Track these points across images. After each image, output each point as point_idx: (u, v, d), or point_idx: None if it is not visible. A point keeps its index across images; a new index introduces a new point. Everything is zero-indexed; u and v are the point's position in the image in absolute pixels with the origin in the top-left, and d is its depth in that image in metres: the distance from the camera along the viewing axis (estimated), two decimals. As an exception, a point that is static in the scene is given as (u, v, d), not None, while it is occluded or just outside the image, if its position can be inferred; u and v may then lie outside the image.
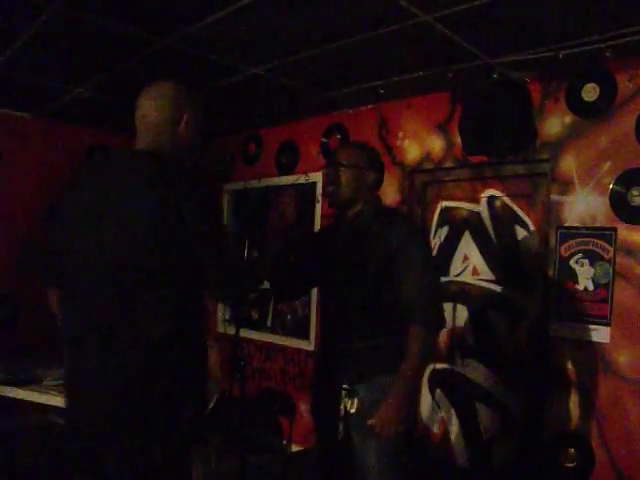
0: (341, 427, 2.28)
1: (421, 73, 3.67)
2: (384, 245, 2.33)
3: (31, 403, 3.60)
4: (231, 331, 4.67)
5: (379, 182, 2.54)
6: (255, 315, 5.24)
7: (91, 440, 1.85)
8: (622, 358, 3.18)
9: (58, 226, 2.03)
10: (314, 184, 4.80)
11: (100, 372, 1.81)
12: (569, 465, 3.31)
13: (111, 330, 1.79)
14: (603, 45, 3.03)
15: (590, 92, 3.39)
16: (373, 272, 2.33)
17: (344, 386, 2.31)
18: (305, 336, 4.78)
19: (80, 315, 1.87)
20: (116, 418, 1.80)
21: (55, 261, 2.06)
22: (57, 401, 3.50)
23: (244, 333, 5.14)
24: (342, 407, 2.29)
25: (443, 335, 3.97)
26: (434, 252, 4.17)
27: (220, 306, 5.59)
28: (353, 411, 2.27)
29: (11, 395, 3.60)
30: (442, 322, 2.32)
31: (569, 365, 3.35)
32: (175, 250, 1.80)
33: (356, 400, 2.27)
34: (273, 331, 5.12)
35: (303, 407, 4.74)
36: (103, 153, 2.19)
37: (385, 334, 2.32)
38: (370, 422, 2.19)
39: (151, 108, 1.97)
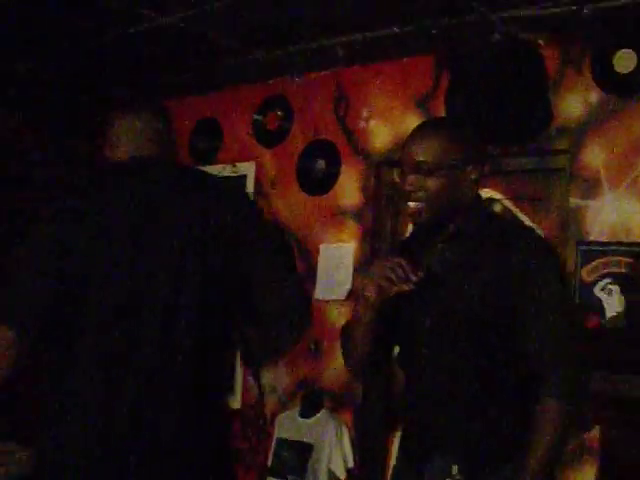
0: None
1: (396, 29, 3.34)
2: (501, 277, 1.92)
3: None
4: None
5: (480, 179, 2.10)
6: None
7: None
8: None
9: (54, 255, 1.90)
10: (244, 177, 4.30)
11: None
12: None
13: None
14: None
15: (624, 61, 3.09)
16: (484, 318, 1.94)
17: (456, 476, 1.96)
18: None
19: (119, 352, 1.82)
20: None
21: (24, 296, 1.92)
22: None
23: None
24: None
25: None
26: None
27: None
28: None
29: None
30: (586, 391, 1.93)
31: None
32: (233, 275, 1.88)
33: None
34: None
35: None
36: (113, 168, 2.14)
37: (505, 406, 1.95)
38: None
39: (152, 119, 2.12)
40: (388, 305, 2.02)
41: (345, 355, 2.22)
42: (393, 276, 1.87)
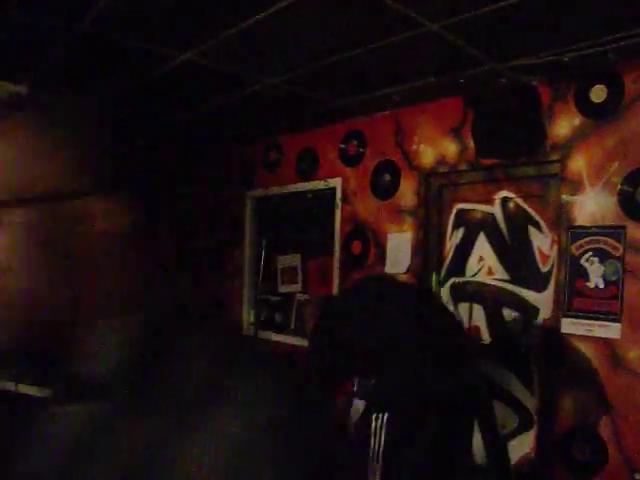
0: None
1: (433, 79, 3.71)
2: None
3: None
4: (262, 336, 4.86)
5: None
6: (278, 318, 5.31)
7: None
8: (632, 353, 3.20)
9: None
10: (333, 189, 4.87)
11: None
12: (582, 460, 3.35)
13: None
14: (607, 47, 3.06)
15: (598, 93, 3.40)
16: None
17: None
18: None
19: None
20: None
21: None
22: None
23: (266, 336, 5.21)
24: None
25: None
26: (450, 254, 4.19)
27: (247, 306, 5.57)
28: None
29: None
30: None
31: (581, 361, 3.37)
32: None
33: None
34: (297, 334, 5.08)
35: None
36: None
37: None
38: None
39: None
40: None
41: None
42: None
